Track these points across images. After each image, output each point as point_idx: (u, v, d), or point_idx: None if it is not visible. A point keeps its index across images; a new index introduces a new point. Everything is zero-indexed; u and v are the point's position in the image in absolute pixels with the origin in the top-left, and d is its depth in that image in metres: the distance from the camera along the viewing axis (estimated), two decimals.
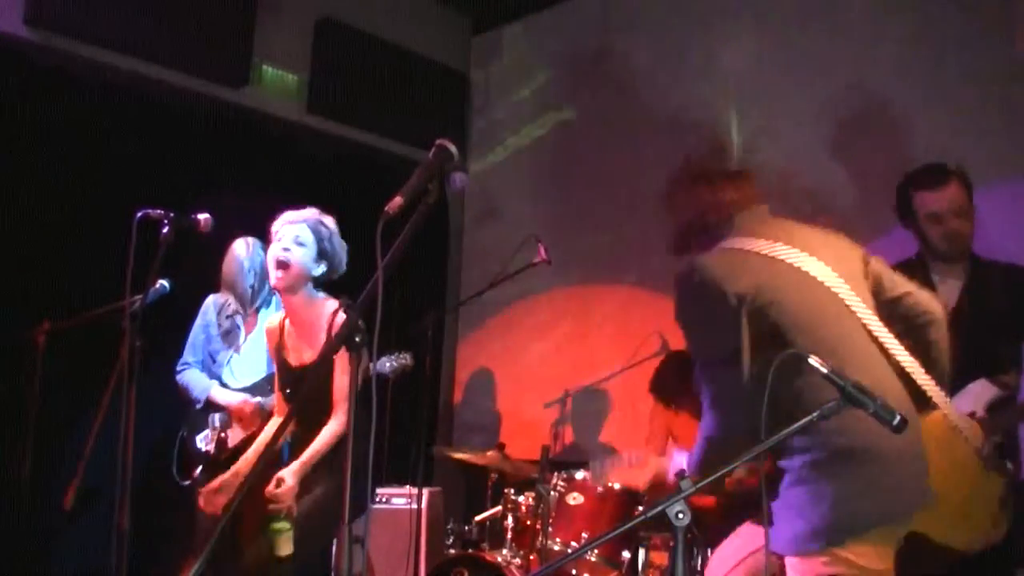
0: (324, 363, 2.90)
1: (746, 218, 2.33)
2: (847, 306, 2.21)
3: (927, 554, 2.38)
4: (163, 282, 3.19)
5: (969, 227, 3.05)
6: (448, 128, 5.41)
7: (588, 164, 5.51)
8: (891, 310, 2.31)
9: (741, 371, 2.11)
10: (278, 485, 2.86)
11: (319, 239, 3.10)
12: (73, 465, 2.80)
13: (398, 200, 1.89)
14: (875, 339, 2.22)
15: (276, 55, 5.19)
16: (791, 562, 2.15)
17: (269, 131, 5.28)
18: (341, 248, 3.16)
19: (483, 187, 5.99)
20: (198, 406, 3.90)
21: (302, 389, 3.10)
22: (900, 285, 2.37)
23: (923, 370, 2.25)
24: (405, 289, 4.81)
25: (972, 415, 2.80)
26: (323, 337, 2.89)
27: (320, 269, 3.11)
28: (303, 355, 3.16)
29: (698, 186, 2.37)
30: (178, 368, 3.98)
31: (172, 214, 2.97)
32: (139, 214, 2.94)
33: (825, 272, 2.21)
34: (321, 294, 3.17)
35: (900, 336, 2.24)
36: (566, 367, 5.37)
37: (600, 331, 5.28)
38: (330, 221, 3.16)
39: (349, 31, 5.41)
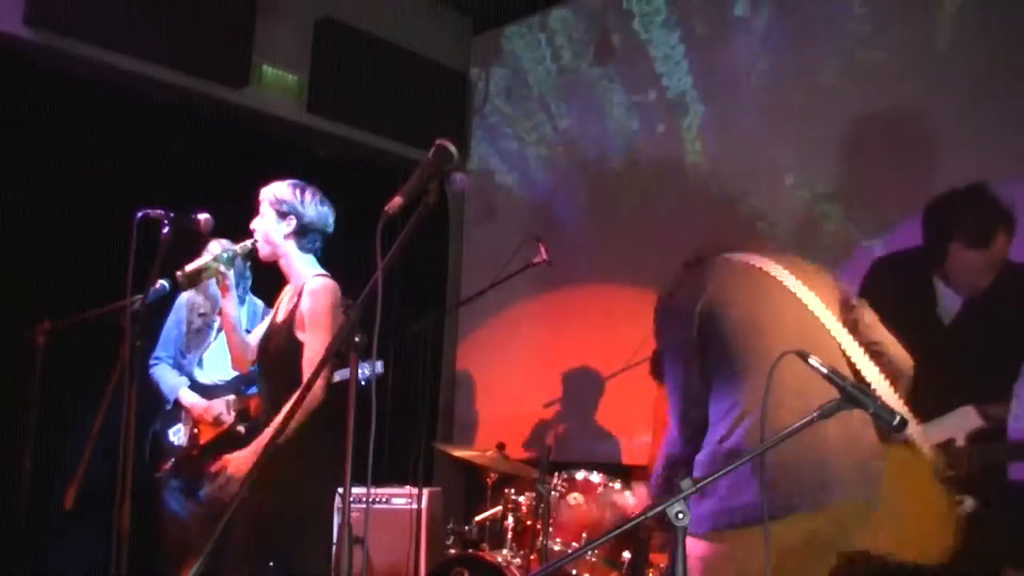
0: (289, 333, 3.04)
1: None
2: (825, 327, 2.24)
3: (870, 570, 2.34)
4: (163, 282, 3.20)
5: (994, 277, 2.84)
6: (448, 128, 5.41)
7: (589, 163, 5.51)
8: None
9: (689, 366, 2.25)
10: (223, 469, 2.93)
11: (278, 202, 3.17)
12: (73, 465, 2.80)
13: (398, 200, 1.90)
14: (849, 361, 2.23)
15: (276, 55, 5.18)
16: (689, 542, 2.15)
17: (269, 131, 5.29)
18: (310, 203, 3.19)
19: (483, 187, 5.99)
20: (167, 406, 4.00)
21: (269, 352, 3.18)
22: (875, 331, 2.37)
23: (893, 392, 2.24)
24: (405, 289, 4.81)
25: (951, 442, 2.74)
26: (292, 305, 3.10)
27: (287, 227, 3.16)
28: (278, 317, 3.23)
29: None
30: (151, 362, 4.05)
31: (172, 214, 2.97)
32: (139, 214, 2.94)
33: (808, 294, 2.27)
34: (310, 266, 3.19)
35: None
36: (566, 367, 5.38)
37: (600, 331, 5.28)
38: (287, 185, 3.20)
39: (349, 31, 5.41)
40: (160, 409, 4.01)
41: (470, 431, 5.77)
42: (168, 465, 3.89)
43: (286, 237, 3.16)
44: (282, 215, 3.17)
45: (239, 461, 2.92)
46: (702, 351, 2.24)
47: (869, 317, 2.38)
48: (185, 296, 4.08)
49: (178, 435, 3.93)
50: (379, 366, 4.17)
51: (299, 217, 3.16)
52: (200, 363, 4.08)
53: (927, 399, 2.77)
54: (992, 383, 2.83)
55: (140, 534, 3.88)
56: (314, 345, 2.98)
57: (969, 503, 2.69)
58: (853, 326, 2.33)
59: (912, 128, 4.15)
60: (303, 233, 3.17)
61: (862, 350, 2.26)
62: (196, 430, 3.93)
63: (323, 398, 2.92)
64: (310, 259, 3.22)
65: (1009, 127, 3.79)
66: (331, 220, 3.25)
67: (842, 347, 2.25)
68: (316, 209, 3.19)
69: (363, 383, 4.11)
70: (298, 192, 3.19)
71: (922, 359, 2.80)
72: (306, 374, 2.95)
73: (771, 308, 2.26)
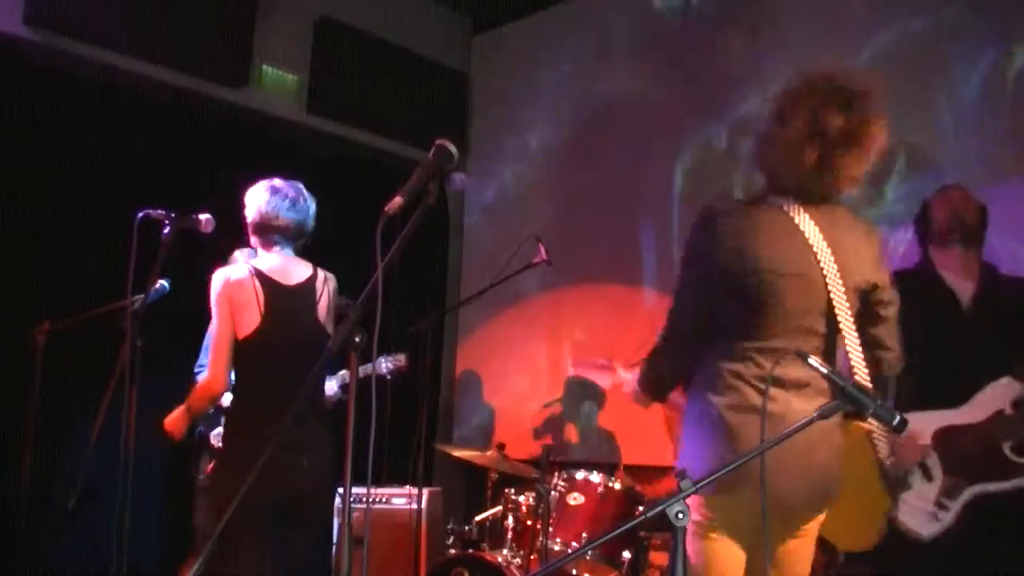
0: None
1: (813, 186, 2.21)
2: (830, 297, 2.16)
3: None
4: (163, 282, 3.20)
5: (972, 219, 3.10)
6: (448, 128, 5.40)
7: (589, 164, 5.51)
8: (864, 319, 2.25)
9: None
10: None
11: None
12: (73, 465, 2.80)
13: (398, 200, 1.90)
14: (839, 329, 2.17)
15: (276, 55, 5.19)
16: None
17: (269, 131, 5.29)
18: (256, 204, 3.14)
19: (483, 187, 5.99)
20: (211, 409, 3.95)
21: None
22: (883, 326, 2.29)
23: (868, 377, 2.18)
24: (405, 289, 4.81)
25: (1000, 412, 2.87)
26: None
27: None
28: None
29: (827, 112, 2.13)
30: (195, 369, 4.04)
31: (173, 214, 2.97)
32: (140, 214, 2.95)
33: (830, 265, 2.17)
34: (237, 258, 3.23)
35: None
36: (566, 367, 5.38)
37: (600, 331, 5.28)
38: (263, 182, 3.19)
39: (349, 31, 5.41)
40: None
41: (470, 431, 5.77)
42: (211, 467, 3.89)
43: (251, 232, 3.19)
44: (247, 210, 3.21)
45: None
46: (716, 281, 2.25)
47: (888, 311, 2.28)
48: None
49: (217, 438, 3.93)
50: (401, 358, 4.16)
51: (249, 216, 3.17)
52: None
53: (964, 379, 2.92)
54: (1020, 352, 2.94)
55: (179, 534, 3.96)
56: (211, 330, 3.07)
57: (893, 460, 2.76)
58: (867, 308, 2.24)
59: None
60: (255, 231, 3.17)
61: (857, 339, 2.18)
62: None
63: (222, 389, 3.01)
64: (260, 253, 3.19)
65: None
66: (283, 223, 3.11)
67: (840, 325, 2.16)
68: (261, 211, 3.12)
69: (387, 376, 4.13)
70: (257, 191, 3.17)
71: (949, 345, 2.93)
72: (208, 358, 3.09)
73: (789, 262, 2.16)
